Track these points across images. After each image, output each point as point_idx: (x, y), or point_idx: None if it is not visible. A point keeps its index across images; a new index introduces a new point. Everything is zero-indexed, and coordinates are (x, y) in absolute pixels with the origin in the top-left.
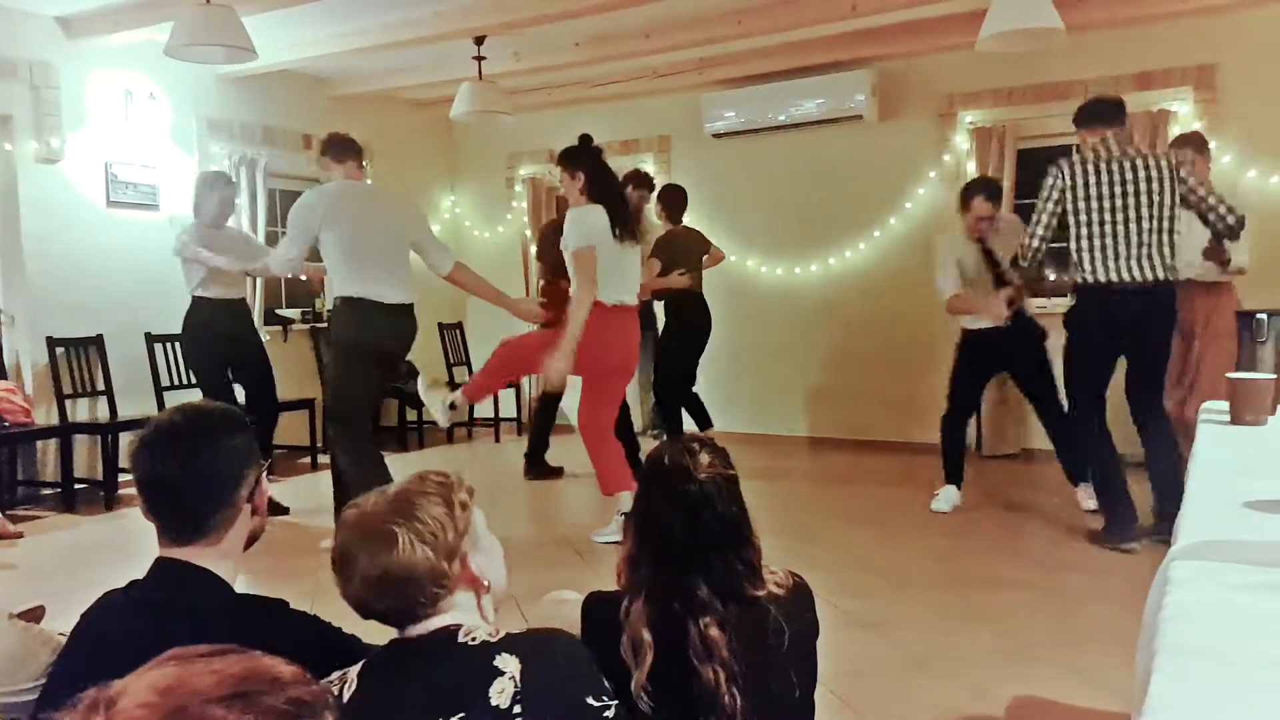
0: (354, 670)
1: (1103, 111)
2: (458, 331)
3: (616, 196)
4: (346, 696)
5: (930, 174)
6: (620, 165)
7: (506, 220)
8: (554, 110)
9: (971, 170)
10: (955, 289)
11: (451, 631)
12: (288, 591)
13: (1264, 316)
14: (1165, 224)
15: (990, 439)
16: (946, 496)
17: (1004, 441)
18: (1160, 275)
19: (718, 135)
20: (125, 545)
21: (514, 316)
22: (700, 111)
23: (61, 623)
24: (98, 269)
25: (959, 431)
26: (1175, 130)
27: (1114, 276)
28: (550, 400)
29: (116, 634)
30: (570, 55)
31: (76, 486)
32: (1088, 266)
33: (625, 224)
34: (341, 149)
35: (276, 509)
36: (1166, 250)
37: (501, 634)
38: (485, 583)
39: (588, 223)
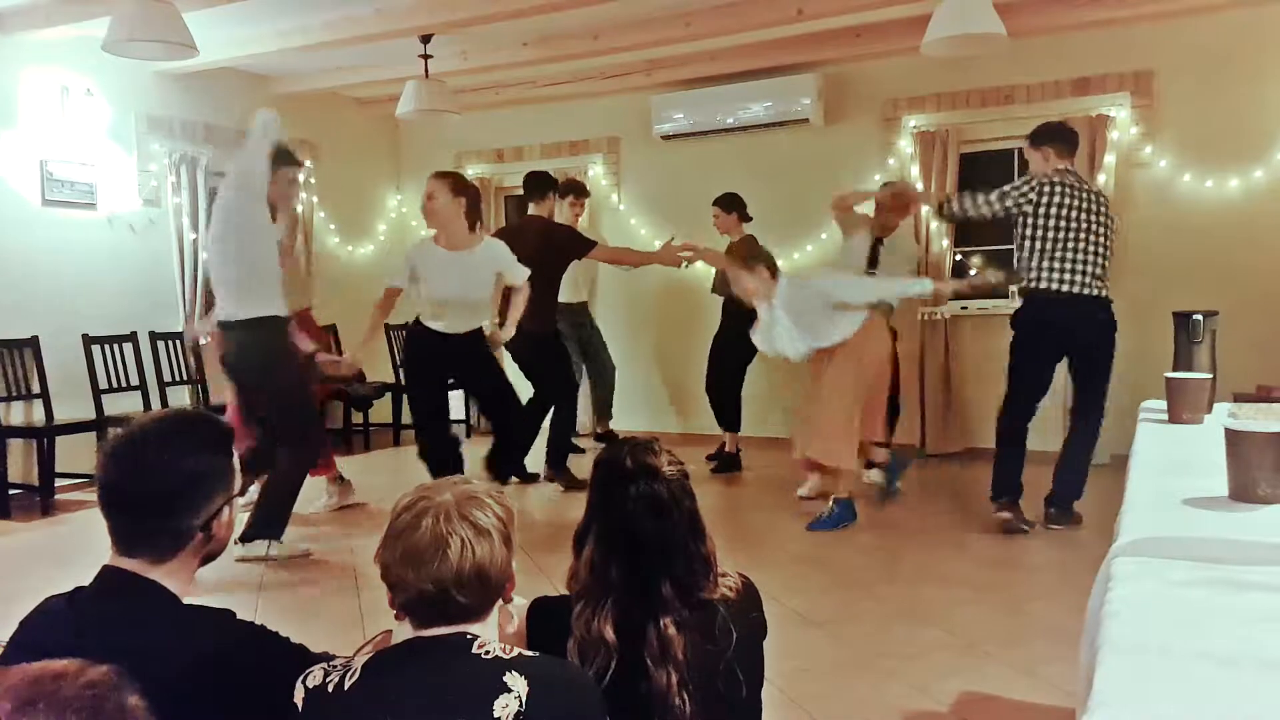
0: (359, 659)
1: (1068, 137)
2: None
3: None
4: (348, 685)
5: (875, 177)
6: (569, 167)
7: None
8: (502, 110)
9: (915, 174)
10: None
11: (468, 639)
12: (233, 600)
13: (1200, 318)
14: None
15: (934, 437)
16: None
17: (948, 440)
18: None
19: (666, 137)
20: (62, 552)
21: None
22: (649, 113)
23: None
24: (33, 269)
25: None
26: (1114, 135)
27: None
28: (565, 404)
29: (54, 644)
30: (518, 55)
31: (11, 492)
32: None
33: None
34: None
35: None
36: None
37: (515, 652)
38: (512, 591)
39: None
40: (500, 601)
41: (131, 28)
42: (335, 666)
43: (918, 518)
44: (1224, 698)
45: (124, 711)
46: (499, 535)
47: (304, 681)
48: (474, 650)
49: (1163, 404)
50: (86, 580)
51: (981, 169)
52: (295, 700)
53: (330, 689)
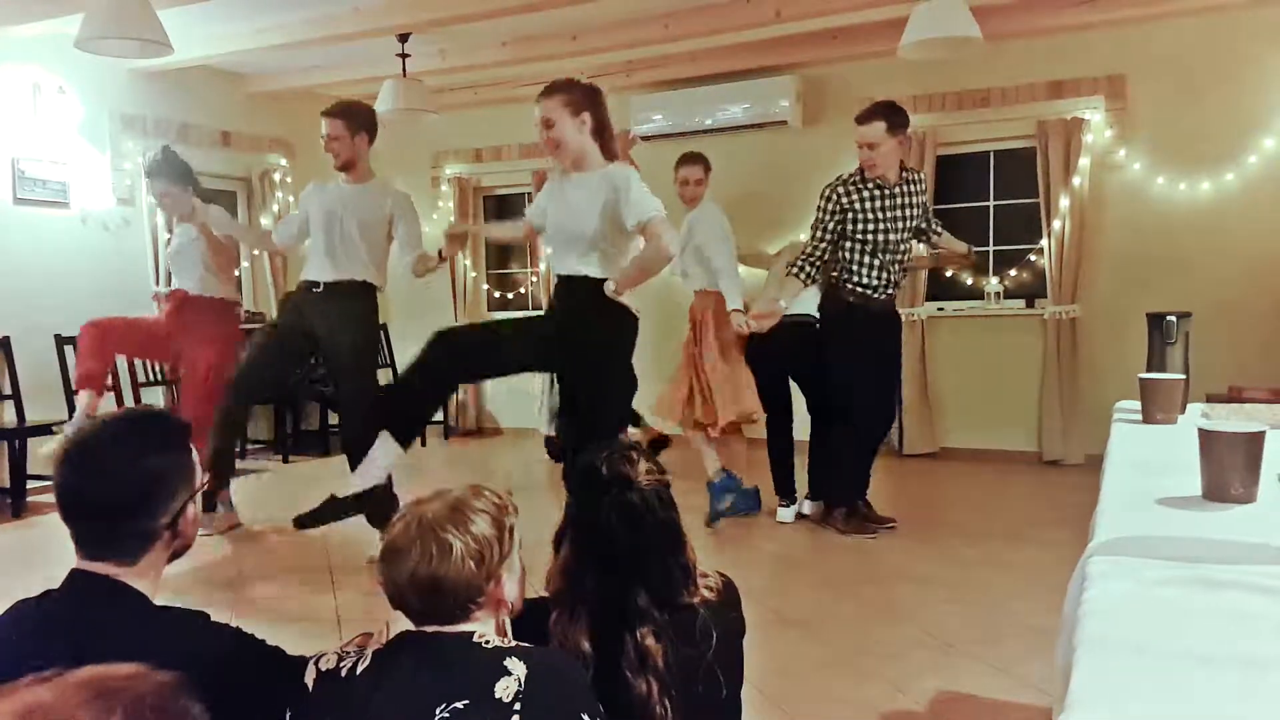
0: (370, 649)
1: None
2: (382, 332)
3: None
4: (359, 670)
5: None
6: (548, 168)
7: (432, 220)
8: (480, 109)
9: None
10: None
11: (468, 633)
12: (209, 602)
13: (1174, 319)
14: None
15: (910, 438)
16: None
17: (923, 440)
18: None
19: (645, 138)
20: (34, 554)
21: None
22: (628, 114)
23: None
24: (4, 268)
25: None
26: (1089, 138)
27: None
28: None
29: (25, 648)
30: (497, 54)
31: None
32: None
33: None
34: None
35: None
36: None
37: (513, 643)
38: (509, 604)
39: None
40: (496, 612)
41: (105, 24)
42: (349, 653)
43: (895, 518)
44: (1199, 696)
45: (189, 715)
46: (466, 553)
47: (316, 663)
48: (475, 640)
49: (1137, 405)
50: (58, 583)
51: (958, 171)
52: (306, 680)
53: (343, 673)
